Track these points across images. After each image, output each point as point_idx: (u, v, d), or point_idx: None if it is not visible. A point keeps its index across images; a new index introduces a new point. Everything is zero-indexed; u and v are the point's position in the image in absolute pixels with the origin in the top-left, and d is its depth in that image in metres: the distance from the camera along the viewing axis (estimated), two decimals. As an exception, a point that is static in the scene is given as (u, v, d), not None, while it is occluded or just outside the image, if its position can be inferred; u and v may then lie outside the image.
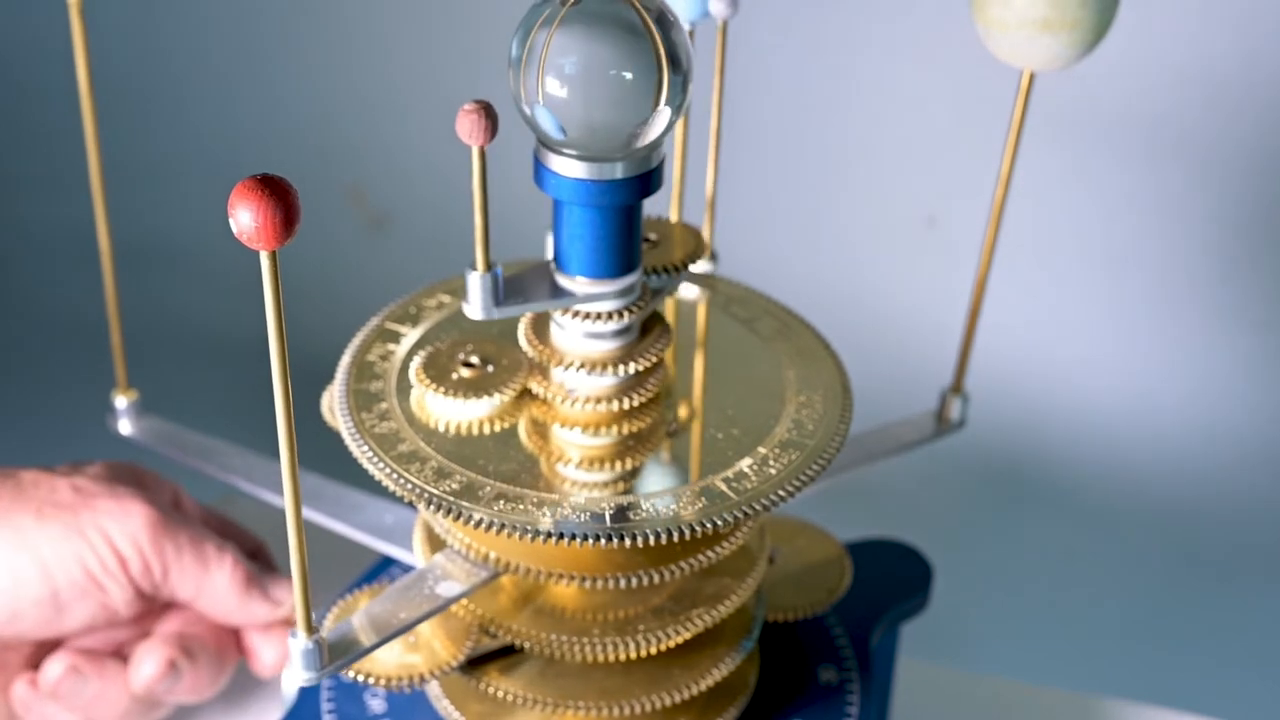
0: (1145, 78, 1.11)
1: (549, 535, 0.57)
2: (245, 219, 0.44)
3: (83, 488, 0.72)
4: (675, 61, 0.55)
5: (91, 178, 0.70)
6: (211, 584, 0.74)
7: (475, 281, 0.58)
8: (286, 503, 0.52)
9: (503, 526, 0.58)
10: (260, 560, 0.80)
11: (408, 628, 0.59)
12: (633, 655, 0.64)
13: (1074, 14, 0.62)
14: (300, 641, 0.55)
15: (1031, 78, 0.66)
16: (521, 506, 0.59)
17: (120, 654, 0.76)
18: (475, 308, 0.58)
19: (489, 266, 0.57)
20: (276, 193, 0.44)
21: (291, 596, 0.77)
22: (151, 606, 0.76)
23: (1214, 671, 1.23)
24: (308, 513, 0.74)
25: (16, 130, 1.36)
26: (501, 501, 0.59)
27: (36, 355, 1.38)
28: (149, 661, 0.74)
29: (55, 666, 0.73)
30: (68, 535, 0.70)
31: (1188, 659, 1.24)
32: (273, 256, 0.45)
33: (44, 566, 0.70)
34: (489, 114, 0.51)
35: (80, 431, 0.84)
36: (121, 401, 0.77)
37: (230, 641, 0.78)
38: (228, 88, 1.31)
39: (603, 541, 0.57)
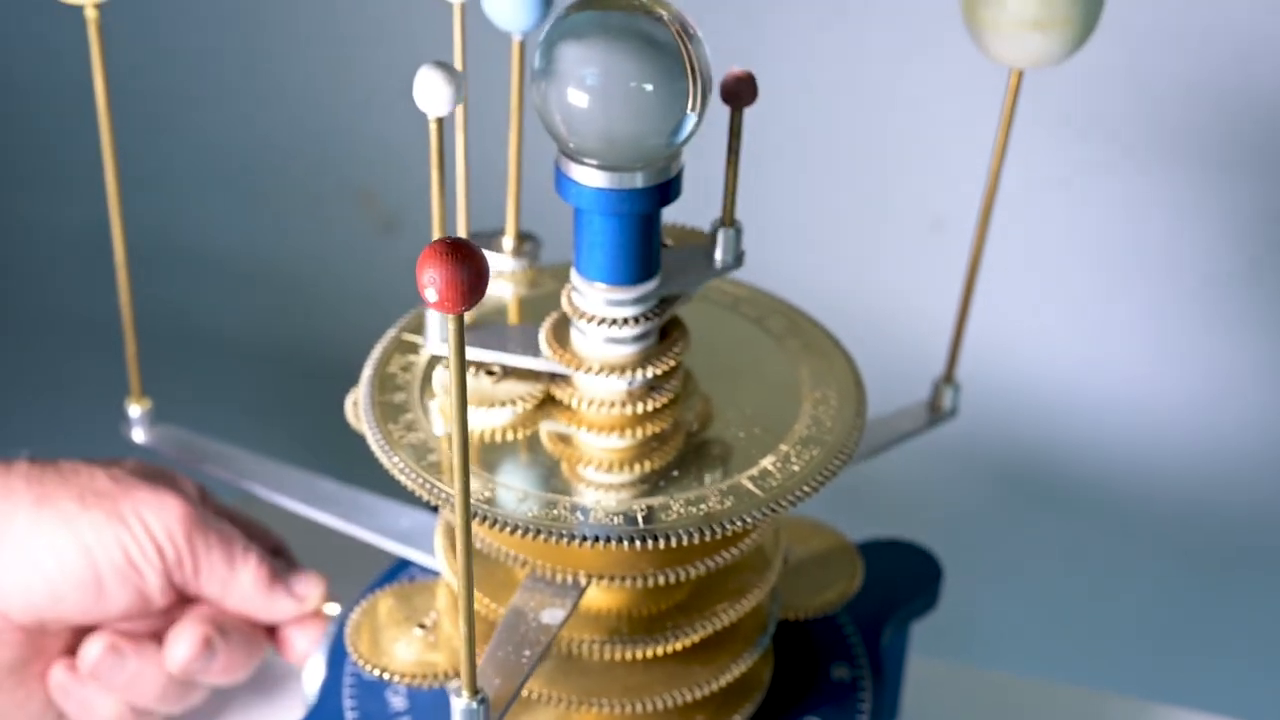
0: (1152, 81, 1.11)
1: (585, 538, 0.58)
2: (438, 282, 0.44)
3: (120, 478, 0.74)
4: (696, 72, 0.56)
5: (108, 186, 0.70)
6: (237, 581, 0.76)
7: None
8: (460, 580, 0.52)
9: (539, 532, 0.58)
10: (282, 558, 0.82)
11: (535, 664, 0.60)
12: (660, 652, 0.65)
13: (1064, 12, 0.63)
14: (463, 702, 0.55)
15: (1020, 75, 0.67)
16: (555, 511, 0.59)
17: (157, 638, 0.77)
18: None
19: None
20: (460, 258, 0.44)
21: (315, 590, 0.79)
22: (182, 601, 0.77)
23: (1224, 669, 1.23)
24: (323, 516, 0.75)
25: (26, 133, 1.35)
26: (535, 507, 0.60)
27: (49, 361, 1.38)
28: (184, 640, 0.75)
29: (94, 646, 0.75)
30: (109, 520, 0.72)
31: (1198, 656, 1.25)
32: (459, 319, 0.46)
33: (87, 549, 0.72)
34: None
35: (95, 438, 0.85)
36: (136, 410, 0.77)
37: (261, 633, 0.80)
38: (237, 89, 1.30)
39: (638, 543, 0.58)
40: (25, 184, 1.37)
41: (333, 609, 0.79)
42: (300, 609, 0.78)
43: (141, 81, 1.23)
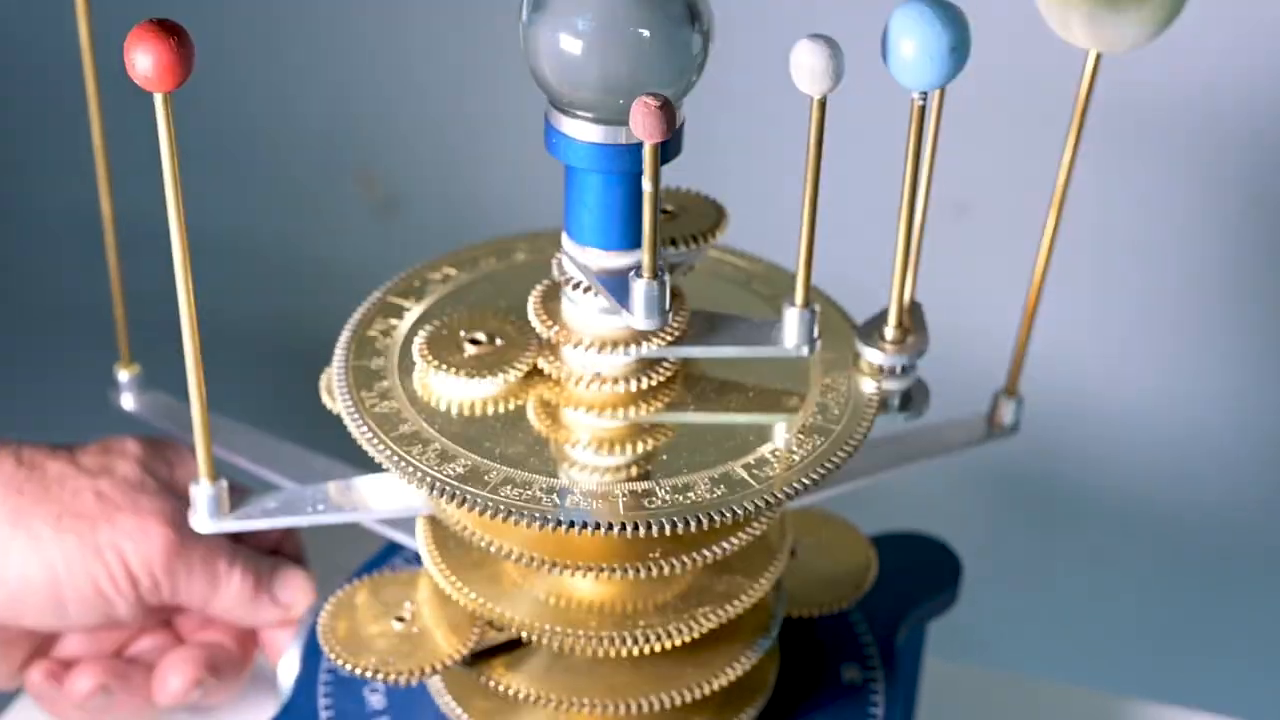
0: (1153, 77, 1.09)
1: (559, 523, 0.55)
2: (144, 62, 0.46)
3: (106, 495, 0.71)
4: (695, 18, 0.53)
5: (95, 146, 0.68)
6: (218, 598, 0.73)
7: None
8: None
9: (510, 513, 0.55)
10: (285, 549, 0.79)
11: (321, 520, 0.59)
12: (650, 650, 0.62)
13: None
14: (204, 489, 0.54)
15: (1098, 60, 0.62)
16: (530, 492, 0.56)
17: (140, 660, 0.75)
18: None
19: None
20: (174, 33, 0.46)
21: (301, 596, 0.75)
22: (159, 609, 0.75)
23: (1241, 673, 1.23)
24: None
25: (20, 115, 1.34)
26: (509, 487, 0.56)
27: (42, 337, 1.38)
28: (174, 678, 0.73)
29: (84, 681, 0.73)
30: (83, 551, 0.69)
31: (1215, 660, 1.24)
32: (166, 99, 0.47)
33: (54, 576, 0.69)
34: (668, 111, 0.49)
35: (85, 412, 0.83)
36: (124, 375, 0.75)
37: (251, 646, 0.78)
38: (234, 71, 1.31)
39: (615, 530, 0.55)
40: (20, 167, 1.37)
41: None
42: (284, 616, 0.75)
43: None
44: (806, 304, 0.58)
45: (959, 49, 0.53)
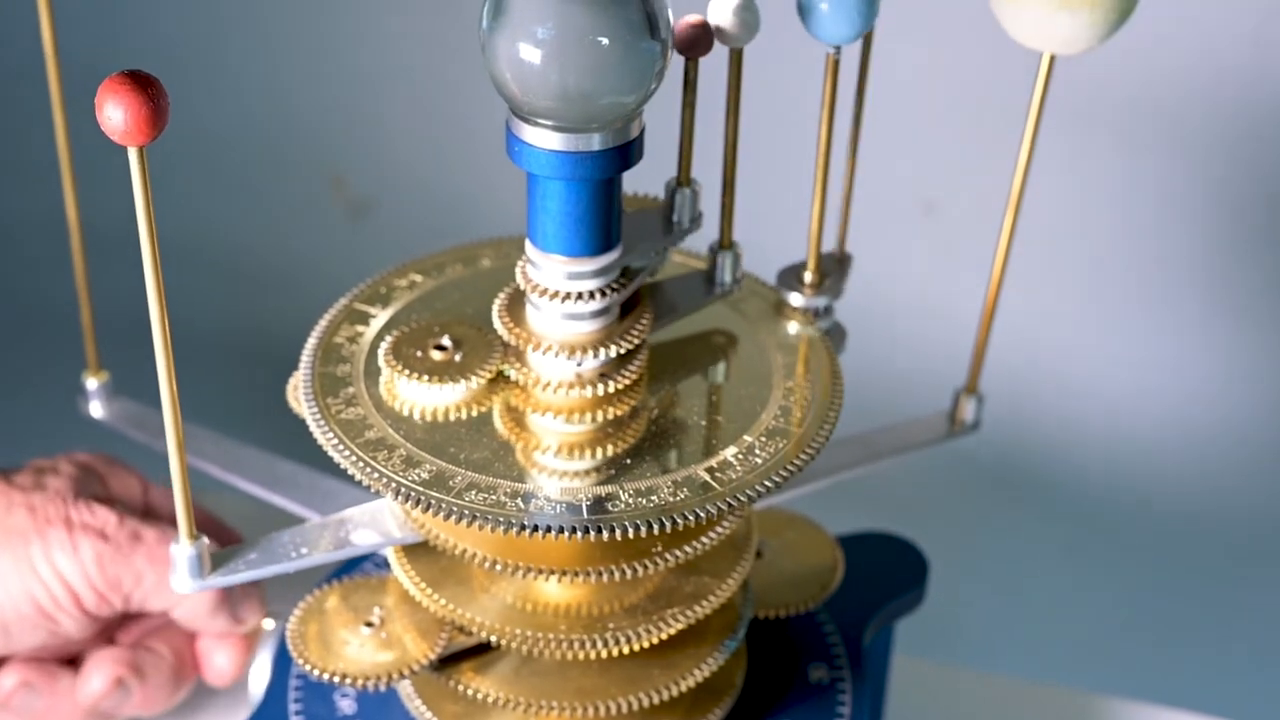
0: (1149, 66, 1.09)
1: (523, 528, 0.55)
2: (116, 116, 0.44)
3: (38, 509, 0.69)
4: (654, 27, 0.53)
5: (59, 148, 0.68)
6: (188, 598, 0.72)
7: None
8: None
9: (474, 518, 0.55)
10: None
11: (304, 564, 0.59)
12: (602, 655, 0.62)
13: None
14: (184, 548, 0.53)
15: (1052, 61, 0.63)
16: (494, 497, 0.56)
17: (75, 662, 0.74)
18: None
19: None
20: (147, 87, 0.44)
21: (254, 618, 0.75)
22: (114, 622, 0.74)
23: (1212, 669, 1.23)
24: (281, 500, 0.71)
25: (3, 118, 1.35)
26: (474, 492, 0.56)
27: (10, 344, 1.36)
28: (96, 677, 0.72)
29: (7, 680, 0.72)
30: (18, 569, 0.68)
31: (1186, 656, 1.24)
32: (141, 152, 0.45)
33: None
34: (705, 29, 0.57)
35: (54, 418, 0.83)
36: (92, 383, 0.74)
37: (190, 658, 0.76)
38: (206, 75, 1.30)
39: (579, 534, 0.55)
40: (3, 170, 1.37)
41: (268, 624, 0.76)
42: (235, 630, 0.74)
43: (109, 66, 1.22)
44: (729, 245, 0.63)
45: (873, 2, 0.56)
